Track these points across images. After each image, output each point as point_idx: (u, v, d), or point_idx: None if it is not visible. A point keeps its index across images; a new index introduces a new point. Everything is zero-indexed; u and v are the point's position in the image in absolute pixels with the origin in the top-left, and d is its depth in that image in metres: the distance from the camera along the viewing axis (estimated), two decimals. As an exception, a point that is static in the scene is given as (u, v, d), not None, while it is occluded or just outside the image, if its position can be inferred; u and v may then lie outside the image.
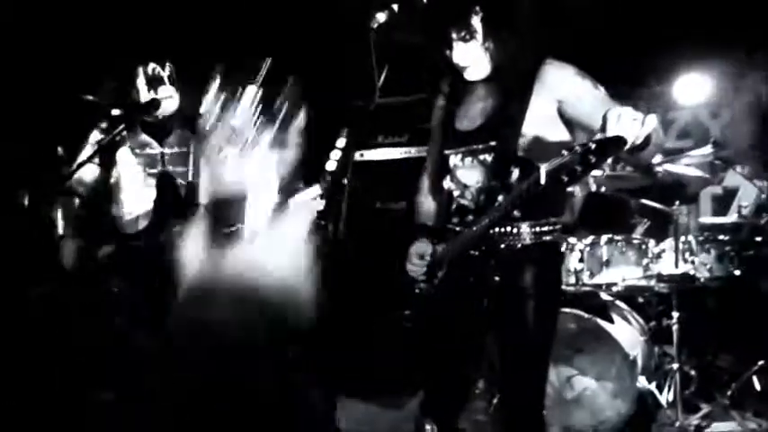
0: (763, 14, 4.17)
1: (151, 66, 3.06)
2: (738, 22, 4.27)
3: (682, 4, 4.37)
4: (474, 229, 2.21)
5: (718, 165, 4.12)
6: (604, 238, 3.76)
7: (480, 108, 2.30)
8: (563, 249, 3.50)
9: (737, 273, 3.68)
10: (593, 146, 1.84)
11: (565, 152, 1.90)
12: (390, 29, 2.49)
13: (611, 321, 3.48)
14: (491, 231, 2.19)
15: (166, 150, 3.11)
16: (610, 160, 3.61)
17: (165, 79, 3.05)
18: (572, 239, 3.75)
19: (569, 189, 3.19)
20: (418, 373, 2.62)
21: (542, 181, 1.95)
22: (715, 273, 3.70)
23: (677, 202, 3.79)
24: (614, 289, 3.75)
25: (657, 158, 3.56)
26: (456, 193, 2.32)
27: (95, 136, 3.11)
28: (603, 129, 1.87)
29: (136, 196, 3.07)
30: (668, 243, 3.76)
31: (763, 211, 3.98)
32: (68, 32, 4.15)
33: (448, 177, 2.35)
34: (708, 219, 4.54)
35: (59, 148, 3.52)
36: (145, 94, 3.04)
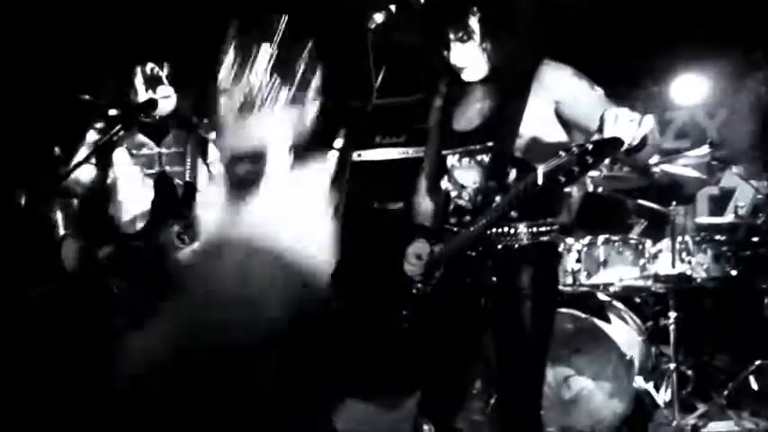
0: (759, 15, 4.18)
1: (149, 65, 3.05)
2: (735, 22, 4.27)
3: (678, 5, 4.38)
4: (471, 229, 2.21)
5: (714, 165, 4.13)
6: (601, 238, 3.77)
7: (478, 109, 2.30)
8: (560, 250, 3.50)
9: (734, 273, 3.69)
10: (590, 147, 1.85)
11: (562, 153, 1.90)
12: (388, 29, 2.49)
13: (609, 321, 3.48)
14: (488, 232, 2.19)
15: (164, 150, 3.10)
16: (607, 161, 3.61)
17: (164, 79, 3.05)
18: (569, 240, 3.76)
19: (566, 189, 3.20)
20: (416, 373, 2.62)
21: (539, 181, 1.95)
22: (712, 273, 3.71)
23: (674, 203, 3.80)
24: (611, 289, 3.76)
25: (654, 159, 3.56)
26: (453, 194, 2.32)
27: (92, 136, 3.10)
28: (600, 130, 1.87)
29: (134, 197, 3.06)
30: (665, 243, 3.77)
31: (760, 211, 3.99)
32: (66, 32, 4.14)
33: (445, 178, 2.35)
34: (704, 219, 4.56)
35: (56, 148, 3.51)
36: (143, 94, 3.03)
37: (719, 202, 4.72)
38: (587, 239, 3.76)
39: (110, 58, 3.40)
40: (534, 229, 2.21)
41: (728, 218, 4.21)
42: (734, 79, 4.69)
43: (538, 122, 2.20)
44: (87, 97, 3.41)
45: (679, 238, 3.73)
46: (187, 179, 3.06)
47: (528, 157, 2.17)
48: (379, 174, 4.65)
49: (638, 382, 3.44)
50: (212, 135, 3.15)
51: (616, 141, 1.84)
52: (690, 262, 3.70)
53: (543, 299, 2.23)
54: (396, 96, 4.39)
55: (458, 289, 2.30)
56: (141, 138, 3.11)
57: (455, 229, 2.28)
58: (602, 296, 3.72)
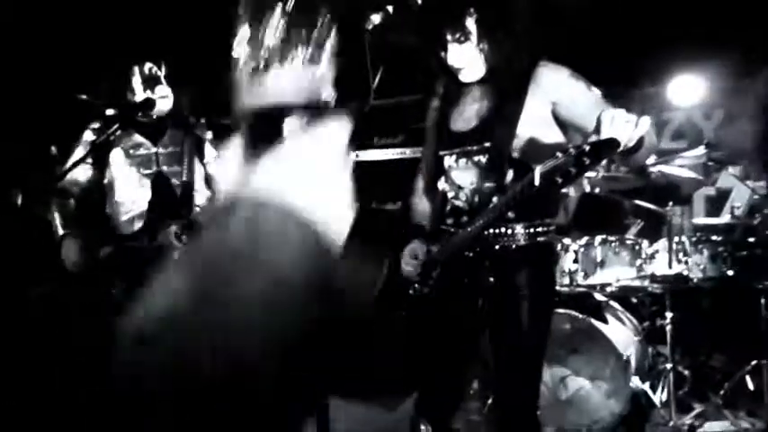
0: (756, 16, 4.18)
1: (147, 65, 3.05)
2: (733, 23, 4.28)
3: (675, 6, 4.38)
4: (468, 229, 2.21)
5: (711, 166, 4.14)
6: (598, 238, 3.77)
7: (475, 109, 2.30)
8: (557, 250, 3.51)
9: (730, 273, 3.69)
10: (586, 148, 1.85)
11: (559, 154, 1.91)
12: (385, 30, 2.49)
13: (605, 322, 3.49)
14: (485, 232, 2.20)
15: (161, 150, 3.10)
16: (604, 162, 3.62)
17: (162, 79, 3.05)
18: (566, 240, 3.76)
19: (563, 190, 3.20)
20: (413, 374, 2.62)
21: (536, 182, 1.96)
22: (708, 273, 3.71)
23: (671, 203, 3.80)
24: (608, 289, 3.76)
25: (651, 160, 3.57)
26: (450, 194, 2.32)
27: (89, 136, 3.10)
28: (597, 131, 1.88)
29: (131, 197, 3.06)
30: (662, 244, 3.77)
31: (756, 211, 4.00)
32: (64, 32, 4.13)
33: (442, 178, 2.36)
34: (701, 219, 4.56)
35: (53, 148, 3.51)
36: (141, 94, 3.03)
37: (716, 203, 4.72)
38: (584, 240, 3.77)
39: (108, 58, 3.40)
40: (531, 230, 2.21)
41: (725, 218, 4.21)
42: (732, 80, 4.70)
43: (535, 123, 2.20)
44: (84, 97, 3.40)
45: (676, 239, 3.73)
46: (184, 179, 3.07)
47: (525, 158, 2.17)
48: (377, 174, 4.65)
49: (635, 382, 3.44)
50: (209, 135, 3.15)
51: (613, 142, 1.84)
52: (686, 262, 3.70)
53: (540, 299, 2.24)
54: (393, 97, 4.40)
55: (455, 289, 2.30)
56: (138, 138, 3.10)
57: (452, 229, 2.28)
58: (599, 296, 3.73)
